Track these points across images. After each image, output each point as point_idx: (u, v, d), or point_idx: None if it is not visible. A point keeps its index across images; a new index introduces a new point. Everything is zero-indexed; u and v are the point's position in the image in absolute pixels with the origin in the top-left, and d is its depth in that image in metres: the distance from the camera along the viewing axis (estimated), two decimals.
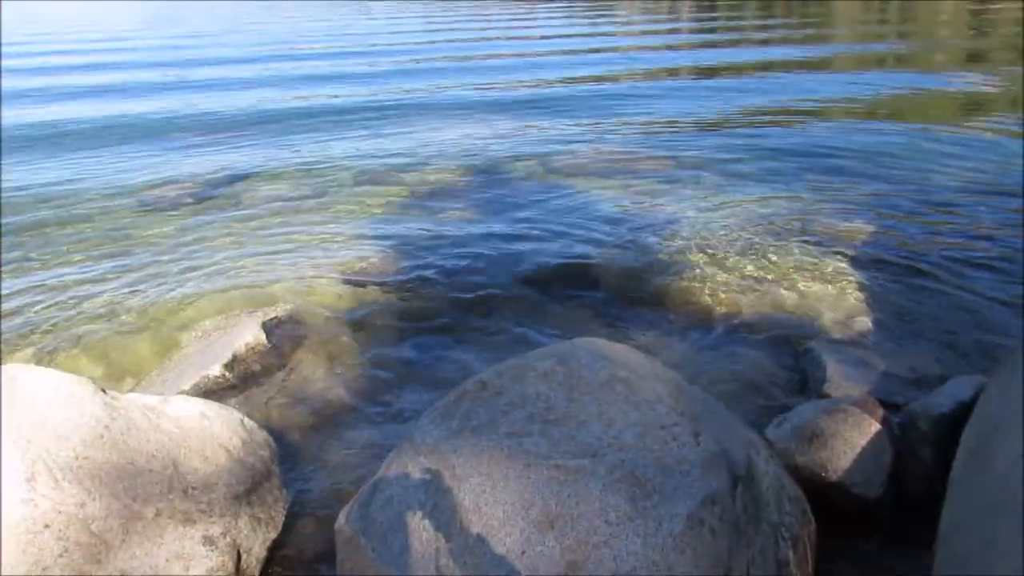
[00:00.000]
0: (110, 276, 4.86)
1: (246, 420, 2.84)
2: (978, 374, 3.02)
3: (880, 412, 2.83)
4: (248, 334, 3.77)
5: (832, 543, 2.49)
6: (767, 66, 14.86)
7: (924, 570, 2.15)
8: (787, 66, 14.69)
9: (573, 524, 1.71)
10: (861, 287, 4.28)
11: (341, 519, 2.15)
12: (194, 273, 4.82)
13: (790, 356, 3.61)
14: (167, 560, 2.26)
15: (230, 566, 2.39)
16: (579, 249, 5.04)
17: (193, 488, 2.44)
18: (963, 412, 2.60)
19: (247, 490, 2.56)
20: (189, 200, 6.69)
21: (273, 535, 2.58)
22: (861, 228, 5.20)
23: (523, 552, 1.69)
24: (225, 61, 18.71)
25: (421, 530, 1.88)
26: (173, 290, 4.55)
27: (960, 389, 2.84)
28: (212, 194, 6.87)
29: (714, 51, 18.82)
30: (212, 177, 7.46)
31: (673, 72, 15.18)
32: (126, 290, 4.61)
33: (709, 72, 14.86)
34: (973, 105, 10.68)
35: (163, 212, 6.35)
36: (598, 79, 13.87)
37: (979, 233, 5.05)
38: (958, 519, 2.14)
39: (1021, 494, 1.90)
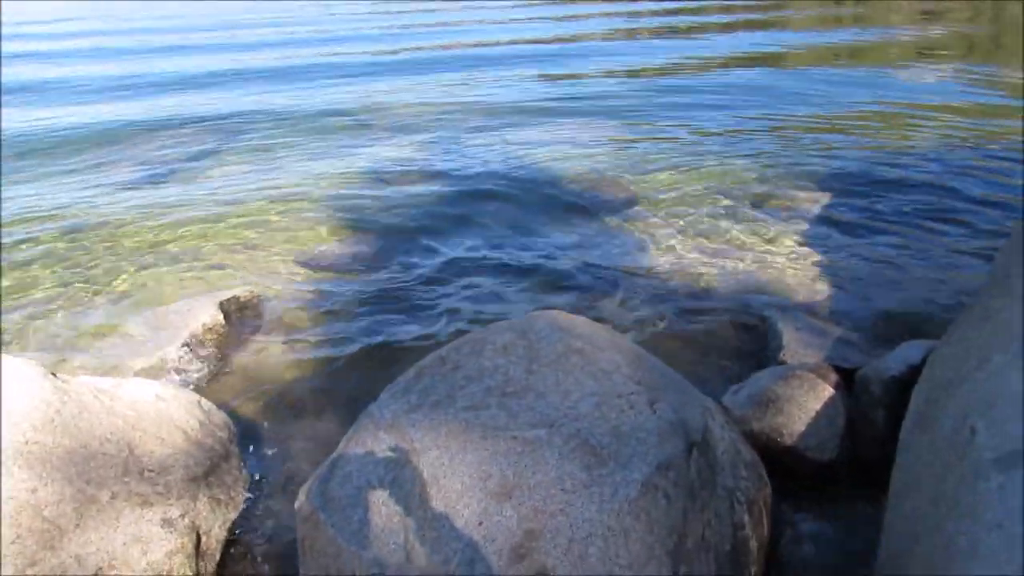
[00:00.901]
0: (60, 256, 4.74)
1: (203, 401, 2.81)
2: (929, 338, 3.09)
3: (834, 377, 2.89)
4: (205, 315, 3.72)
5: (788, 506, 2.55)
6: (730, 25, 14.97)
7: (875, 526, 2.21)
8: (750, 25, 14.80)
9: (530, 493, 1.72)
10: (818, 254, 4.34)
11: (301, 497, 2.14)
12: (149, 254, 4.72)
13: (748, 324, 3.65)
14: (124, 544, 2.23)
15: (190, 547, 2.37)
16: (537, 219, 5.04)
17: (149, 471, 2.41)
18: (913, 375, 2.66)
19: (205, 471, 2.54)
20: (142, 180, 6.54)
21: (233, 515, 2.56)
22: (819, 194, 5.26)
23: (480, 523, 1.70)
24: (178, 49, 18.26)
25: (380, 505, 1.88)
26: (127, 272, 4.46)
27: (911, 353, 2.91)
28: (164, 174, 6.73)
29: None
30: (164, 157, 7.30)
31: (632, 32, 15.22)
32: (78, 271, 4.50)
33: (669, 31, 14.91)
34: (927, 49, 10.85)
35: (118, 191, 6.21)
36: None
37: (936, 197, 5.14)
38: (907, 479, 2.20)
39: (966, 453, 1.96)
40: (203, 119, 8.92)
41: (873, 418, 2.74)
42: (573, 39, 14.16)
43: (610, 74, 9.94)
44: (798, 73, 9.32)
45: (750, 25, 15.41)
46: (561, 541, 1.63)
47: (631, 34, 15.27)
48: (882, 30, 14.11)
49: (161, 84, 11.60)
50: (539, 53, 12.18)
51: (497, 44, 13.70)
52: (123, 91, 10.97)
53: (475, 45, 14.20)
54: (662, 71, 9.89)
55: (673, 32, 15.39)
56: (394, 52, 13.40)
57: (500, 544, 1.65)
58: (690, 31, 15.31)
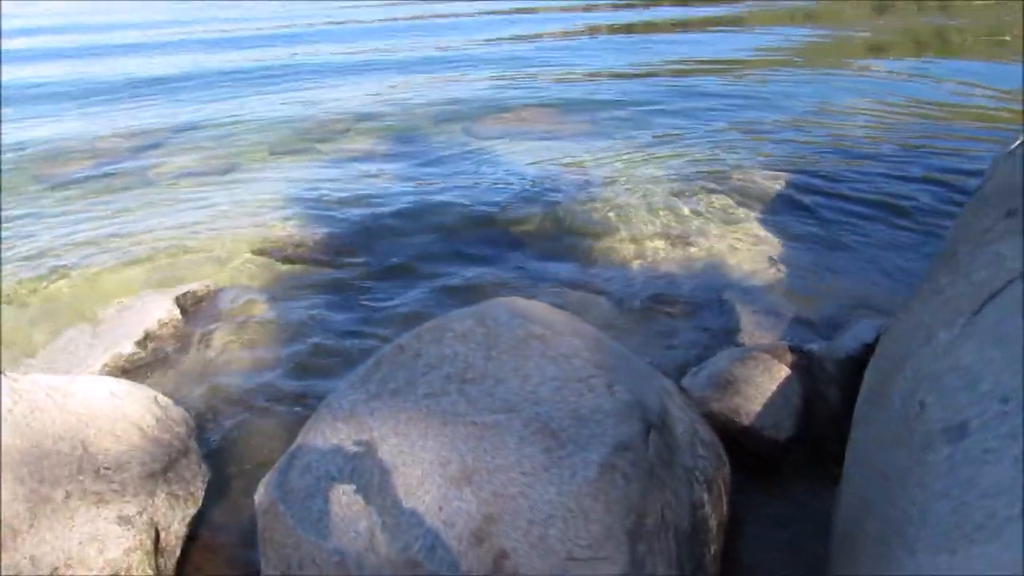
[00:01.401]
0: (7, 253, 4.63)
1: (160, 397, 2.77)
2: (883, 318, 3.16)
3: (790, 357, 2.94)
4: (160, 310, 3.66)
5: (746, 484, 2.59)
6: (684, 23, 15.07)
7: (831, 502, 2.26)
8: (704, 24, 14.91)
9: (489, 477, 1.72)
10: (775, 237, 4.41)
11: (260, 489, 2.12)
12: (100, 248, 4.63)
13: (707, 307, 3.70)
14: (80, 543, 2.20)
15: (148, 545, 2.34)
16: (498, 207, 5.05)
17: (105, 468, 2.37)
18: (867, 353, 2.72)
19: (163, 467, 2.50)
20: (91, 172, 6.41)
21: (193, 511, 2.53)
22: (775, 177, 5.34)
23: (440, 508, 1.70)
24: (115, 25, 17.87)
25: (340, 494, 1.87)
26: (78, 267, 4.37)
27: (864, 331, 2.97)
28: (116, 165, 6.59)
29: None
30: (117, 146, 7.16)
31: (594, 30, 15.23)
32: (27, 266, 4.40)
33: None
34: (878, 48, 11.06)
35: (64, 185, 6.07)
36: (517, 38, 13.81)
37: (890, 183, 5.25)
38: (860, 454, 2.25)
39: (916, 426, 2.01)
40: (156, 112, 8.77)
41: (828, 396, 2.80)
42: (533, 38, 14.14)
43: (567, 76, 9.96)
44: (756, 74, 9.44)
45: (706, 24, 15.52)
46: (520, 523, 1.64)
47: (592, 31, 15.28)
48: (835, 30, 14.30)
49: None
50: (495, 57, 12.10)
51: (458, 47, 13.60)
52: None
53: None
54: (618, 74, 9.93)
55: (628, 31, 15.43)
56: (353, 52, 13.23)
57: (460, 529, 1.65)
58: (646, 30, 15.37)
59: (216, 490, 2.66)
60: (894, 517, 1.86)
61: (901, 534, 1.78)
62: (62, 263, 4.43)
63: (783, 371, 2.86)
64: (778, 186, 5.22)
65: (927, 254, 4.05)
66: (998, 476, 1.64)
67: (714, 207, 4.89)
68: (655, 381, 2.34)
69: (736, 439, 2.70)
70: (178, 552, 2.45)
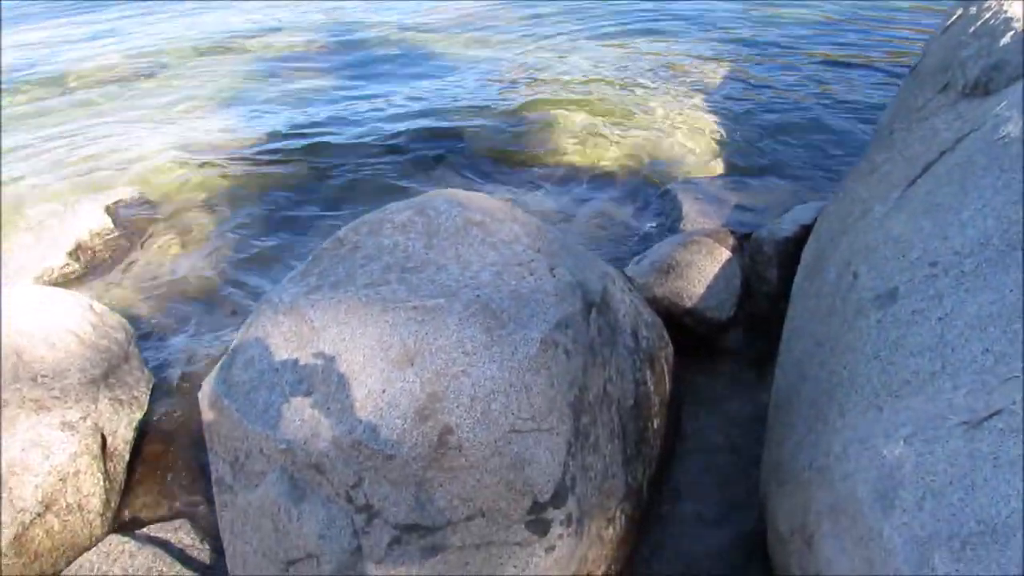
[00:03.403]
0: None
1: (95, 304, 2.70)
2: (822, 201, 3.20)
3: (731, 241, 2.98)
4: (91, 219, 3.53)
5: (690, 363, 2.65)
6: None
7: (770, 376, 2.33)
8: None
9: (432, 358, 1.73)
10: (716, 126, 4.40)
11: (204, 387, 2.10)
12: (26, 160, 4.42)
13: (650, 199, 3.71)
14: (23, 449, 2.17)
15: (95, 449, 2.32)
16: (437, 109, 4.93)
17: (43, 376, 2.32)
18: (804, 233, 2.77)
19: (103, 373, 2.46)
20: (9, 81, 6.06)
21: (139, 415, 2.51)
22: (712, 70, 5.29)
23: (384, 390, 1.70)
24: None
25: (284, 385, 1.86)
26: (4, 177, 4.17)
27: (803, 214, 3.02)
28: (37, 73, 6.24)
29: None
30: (34, 55, 6.76)
31: None
32: None
33: None
34: None
35: None
36: None
37: (829, 68, 5.24)
38: (797, 326, 2.31)
39: (849, 295, 2.07)
40: None
41: (767, 276, 2.86)
42: None
43: None
44: None
45: None
46: (464, 400, 1.66)
47: None
48: None
49: None
50: None
51: None
52: None
53: None
54: None
55: None
56: None
57: (404, 408, 1.66)
58: None
59: (161, 393, 2.64)
60: (826, 381, 1.93)
61: (832, 396, 1.85)
62: None
63: (724, 254, 2.90)
64: (721, 76, 5.18)
65: (864, 141, 4.09)
66: (924, 335, 1.71)
67: (657, 97, 4.84)
68: (596, 265, 2.35)
69: (679, 321, 2.75)
70: (127, 456, 2.45)
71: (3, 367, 2.26)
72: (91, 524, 2.29)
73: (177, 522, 2.34)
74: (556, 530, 1.70)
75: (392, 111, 4.98)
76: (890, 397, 1.66)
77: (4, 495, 2.11)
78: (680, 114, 4.61)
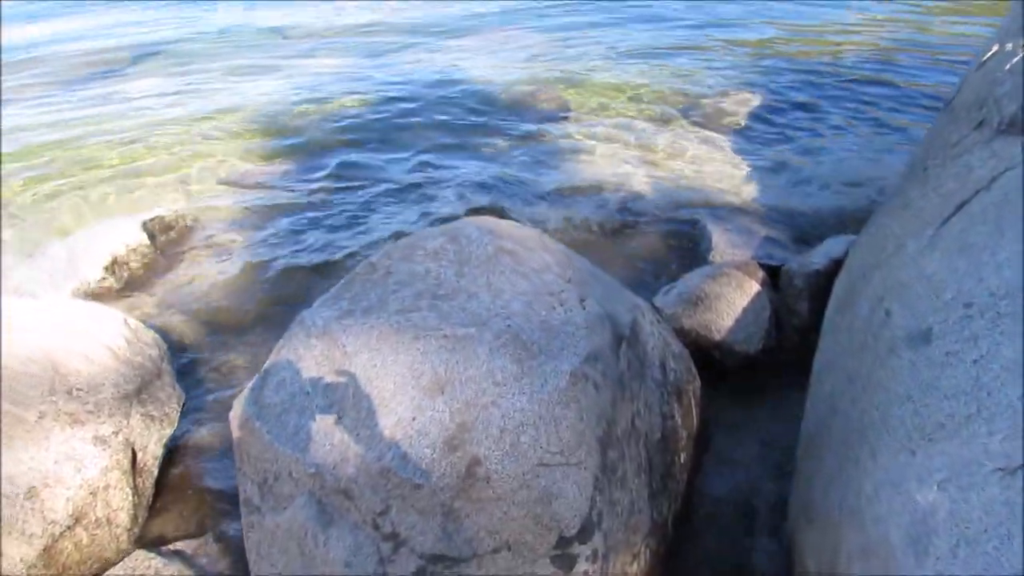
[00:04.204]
0: None
1: (130, 320, 2.75)
2: (852, 234, 3.18)
3: (761, 274, 2.97)
4: (128, 236, 3.59)
5: (718, 396, 2.64)
6: None
7: (800, 411, 2.31)
8: None
9: (462, 387, 1.74)
10: (746, 158, 4.40)
11: (236, 407, 2.12)
12: (67, 173, 4.51)
13: (679, 228, 3.71)
14: (56, 462, 2.20)
15: (125, 464, 2.35)
16: (469, 132, 4.97)
17: (78, 389, 2.36)
18: (835, 267, 2.76)
19: (137, 389, 2.50)
20: (56, 92, 6.21)
21: (169, 431, 2.55)
22: (747, 97, 5.29)
23: (414, 418, 1.72)
24: None
25: (314, 408, 1.88)
26: (46, 195, 4.26)
27: (833, 247, 3.00)
28: (79, 87, 6.38)
29: None
30: (88, 73, 6.93)
31: None
32: None
33: None
34: None
35: (29, 108, 5.88)
36: None
37: (858, 102, 5.22)
38: (828, 360, 2.29)
39: (881, 333, 2.05)
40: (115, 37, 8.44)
41: (797, 310, 2.84)
42: None
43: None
44: None
45: None
46: (493, 431, 1.67)
47: None
48: None
49: None
50: None
51: None
52: None
53: None
54: None
55: None
56: None
57: (433, 437, 1.67)
58: None
59: (192, 411, 2.67)
60: (858, 419, 1.91)
61: (864, 436, 1.84)
62: (28, 190, 4.31)
63: (753, 287, 2.89)
64: (750, 106, 5.18)
65: (897, 172, 4.06)
66: (958, 378, 1.69)
67: (685, 127, 4.85)
68: (625, 297, 2.35)
69: (707, 354, 2.74)
70: (156, 471, 2.48)
71: (40, 379, 2.30)
72: (118, 539, 2.32)
73: (202, 539, 2.36)
74: (581, 566, 1.69)
75: (424, 125, 5.05)
76: (923, 440, 1.64)
77: (36, 506, 2.14)
78: (711, 144, 4.62)
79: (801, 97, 5.30)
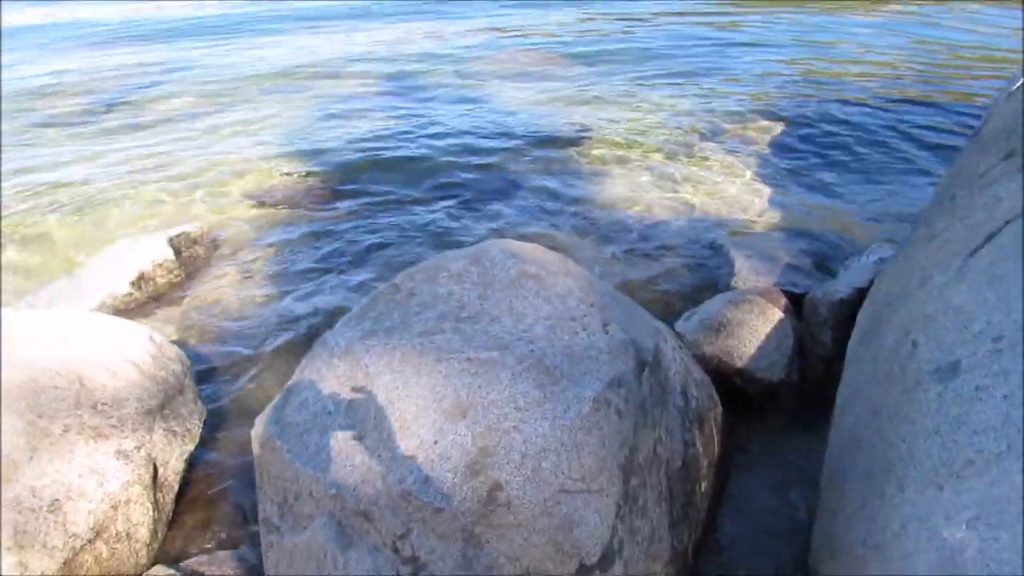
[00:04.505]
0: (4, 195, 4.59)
1: (155, 335, 2.77)
2: (877, 262, 3.16)
3: (783, 301, 2.95)
4: (155, 251, 3.64)
5: (739, 423, 2.62)
6: None
7: (822, 441, 2.29)
8: None
9: (484, 412, 1.74)
10: (769, 184, 4.38)
11: (257, 425, 2.13)
12: (94, 191, 4.59)
13: (701, 253, 3.70)
14: (80, 475, 2.22)
15: (147, 479, 2.37)
16: (493, 151, 5.01)
17: (103, 403, 2.38)
18: (860, 296, 2.73)
19: (160, 404, 2.52)
20: (88, 113, 6.31)
21: (190, 447, 2.56)
22: (770, 122, 5.29)
23: (436, 441, 1.72)
24: None
25: (336, 428, 1.89)
26: (71, 209, 4.33)
27: (858, 276, 2.98)
28: (110, 107, 6.49)
29: None
30: (112, 87, 7.05)
31: None
32: (23, 207, 4.36)
33: None
34: None
35: (62, 125, 5.98)
36: None
37: (883, 130, 5.20)
38: (851, 391, 2.27)
39: (907, 365, 2.03)
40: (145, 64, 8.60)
41: (820, 339, 2.82)
42: None
43: (562, 25, 9.75)
44: (750, 18, 9.24)
45: None
46: (515, 457, 1.66)
47: None
48: None
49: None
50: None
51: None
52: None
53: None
54: (612, 15, 9.73)
55: None
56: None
57: (455, 461, 1.67)
58: None
59: (213, 427, 2.68)
60: (883, 452, 1.88)
61: (890, 470, 1.81)
62: (57, 206, 4.39)
63: (776, 314, 2.87)
64: (773, 131, 5.18)
65: (922, 200, 4.03)
66: (988, 414, 1.66)
67: (709, 150, 4.85)
68: (648, 322, 2.34)
69: (729, 381, 2.72)
70: (176, 487, 2.49)
71: (67, 393, 2.32)
72: (138, 553, 2.32)
73: (221, 556, 2.36)
74: None
75: (447, 149, 5.08)
76: (951, 476, 1.62)
77: (58, 519, 2.16)
78: (733, 169, 4.61)
79: (828, 123, 5.29)
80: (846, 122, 5.25)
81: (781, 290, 3.05)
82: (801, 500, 2.37)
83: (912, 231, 2.85)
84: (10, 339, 2.35)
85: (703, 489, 2.25)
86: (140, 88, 7.10)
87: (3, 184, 4.72)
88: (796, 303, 2.98)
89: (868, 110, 5.54)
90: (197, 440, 2.60)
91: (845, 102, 5.78)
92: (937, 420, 1.77)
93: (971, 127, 4.93)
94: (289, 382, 2.16)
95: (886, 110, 5.47)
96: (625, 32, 9.10)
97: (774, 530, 2.32)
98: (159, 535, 2.40)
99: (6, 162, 5.18)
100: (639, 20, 9.67)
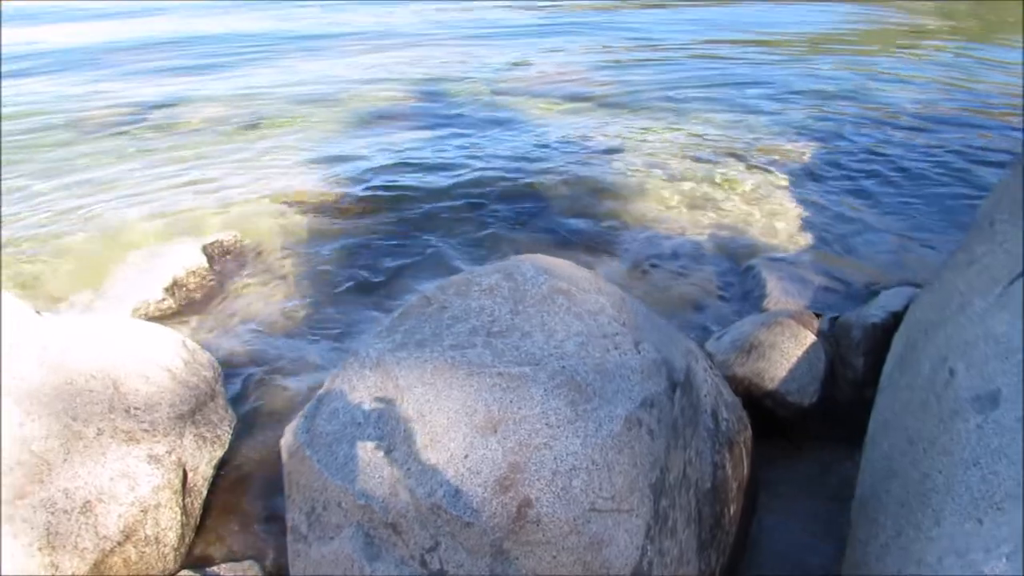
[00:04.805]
0: (43, 201, 4.68)
1: (188, 341, 2.81)
2: (912, 286, 3.12)
3: (815, 324, 2.92)
4: (189, 259, 3.69)
5: (769, 447, 2.59)
6: None
7: (853, 467, 2.25)
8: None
9: (515, 427, 1.74)
10: (802, 204, 4.35)
11: (287, 434, 2.15)
12: (131, 199, 4.67)
13: (732, 273, 3.68)
14: (111, 479, 2.25)
15: (176, 484, 2.39)
16: (525, 169, 5.02)
17: (136, 408, 2.41)
18: (894, 321, 2.70)
19: (191, 410, 2.54)
20: (125, 125, 6.43)
21: (220, 453, 2.58)
22: (802, 147, 5.26)
23: (466, 455, 1.71)
24: None
25: (366, 440, 1.90)
26: (109, 215, 4.41)
27: (892, 300, 2.94)
28: (148, 118, 6.61)
29: None
30: (148, 101, 7.17)
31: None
32: (60, 216, 4.45)
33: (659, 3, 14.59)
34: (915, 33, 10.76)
35: (99, 137, 6.10)
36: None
37: (920, 154, 5.15)
38: (886, 419, 2.23)
39: (945, 393, 2.00)
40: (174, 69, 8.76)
41: (853, 363, 2.78)
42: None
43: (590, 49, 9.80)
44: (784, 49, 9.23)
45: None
46: (545, 474, 1.66)
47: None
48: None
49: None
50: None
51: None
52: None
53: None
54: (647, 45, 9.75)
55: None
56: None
57: (485, 476, 1.67)
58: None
59: (242, 434, 2.70)
60: (919, 482, 1.85)
61: (926, 500, 1.78)
62: (95, 212, 4.47)
63: (809, 337, 2.84)
64: (810, 149, 5.14)
65: (960, 225, 3.98)
66: None
67: (741, 175, 4.83)
68: (680, 342, 2.33)
69: (759, 403, 2.69)
70: (205, 493, 2.51)
71: (101, 396, 2.35)
72: (165, 558, 2.34)
73: (247, 563, 2.37)
74: None
75: (479, 165, 5.11)
76: (991, 509, 1.58)
77: (89, 521, 2.18)
78: (766, 189, 4.59)
79: (864, 143, 5.25)
80: (888, 143, 5.21)
81: (813, 313, 3.02)
82: (831, 526, 2.34)
83: (951, 256, 2.81)
84: (49, 341, 2.39)
85: (732, 512, 2.22)
86: (177, 98, 7.22)
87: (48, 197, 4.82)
88: (829, 327, 2.94)
89: (912, 132, 5.50)
90: (227, 446, 2.61)
91: (887, 121, 5.73)
92: (976, 451, 1.73)
93: (1013, 153, 4.87)
94: (319, 392, 2.18)
95: (931, 132, 5.41)
96: (658, 62, 9.09)
97: (802, 557, 2.29)
98: (186, 540, 2.41)
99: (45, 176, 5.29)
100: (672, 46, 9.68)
